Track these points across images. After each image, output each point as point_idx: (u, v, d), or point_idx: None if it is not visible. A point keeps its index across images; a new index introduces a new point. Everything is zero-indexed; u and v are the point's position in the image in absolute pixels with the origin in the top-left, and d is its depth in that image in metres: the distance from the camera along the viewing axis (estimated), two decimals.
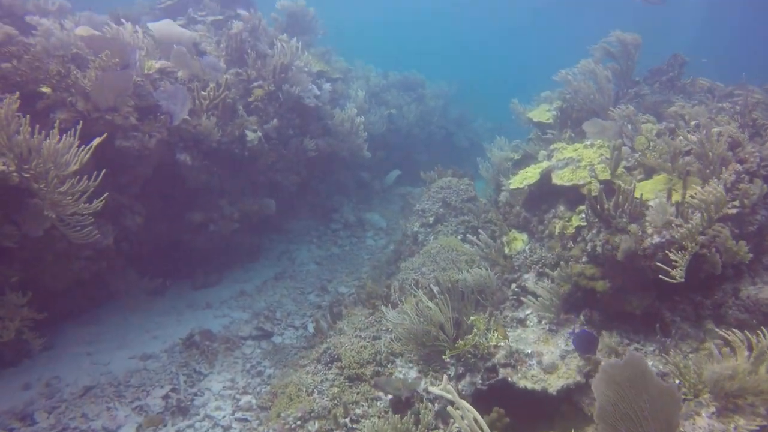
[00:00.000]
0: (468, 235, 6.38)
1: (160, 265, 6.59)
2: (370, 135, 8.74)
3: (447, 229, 6.80)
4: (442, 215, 6.94)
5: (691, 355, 3.66)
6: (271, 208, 6.77)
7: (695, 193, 3.66)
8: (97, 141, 3.60)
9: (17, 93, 3.42)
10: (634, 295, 4.18)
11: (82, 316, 5.77)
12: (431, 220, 6.91)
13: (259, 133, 5.97)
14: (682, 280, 3.43)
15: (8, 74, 4.02)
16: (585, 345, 3.79)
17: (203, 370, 5.00)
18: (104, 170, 3.78)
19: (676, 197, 4.11)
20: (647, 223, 4.00)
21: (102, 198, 3.74)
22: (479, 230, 6.70)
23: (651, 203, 4.32)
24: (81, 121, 4.04)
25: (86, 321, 5.68)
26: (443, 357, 4.16)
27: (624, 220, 4.16)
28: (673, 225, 3.76)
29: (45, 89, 4.21)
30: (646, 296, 4.08)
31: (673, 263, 3.48)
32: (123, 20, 6.54)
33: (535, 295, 4.61)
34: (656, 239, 3.75)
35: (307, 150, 6.98)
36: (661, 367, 3.70)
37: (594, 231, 4.43)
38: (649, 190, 4.68)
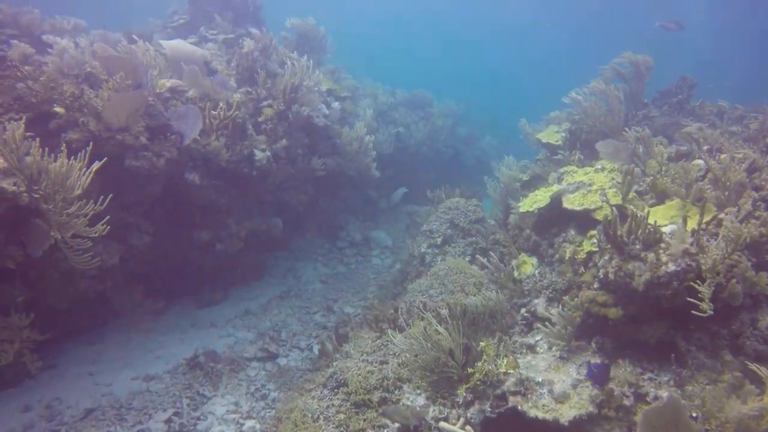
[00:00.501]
0: (478, 256, 6.29)
1: (166, 282, 6.56)
2: (378, 154, 8.75)
3: (455, 250, 6.74)
4: (450, 236, 6.88)
5: (708, 388, 3.56)
6: (278, 227, 6.75)
7: (727, 225, 3.56)
8: (96, 166, 3.59)
9: (23, 117, 3.43)
10: (647, 323, 4.09)
11: (85, 334, 5.72)
12: (439, 241, 6.85)
13: (268, 153, 5.97)
14: (712, 312, 3.34)
15: (24, 95, 4.05)
16: (601, 377, 3.70)
17: (207, 392, 4.92)
18: (111, 194, 3.77)
19: (691, 224, 4.04)
20: (661, 251, 3.92)
21: (104, 221, 3.70)
22: (488, 252, 6.65)
23: (665, 229, 4.26)
24: (92, 142, 4.05)
25: (89, 339, 5.63)
26: (458, 391, 4.06)
27: (637, 246, 4.09)
28: (692, 253, 3.68)
29: (58, 109, 4.23)
30: (661, 325, 3.99)
31: (699, 295, 3.39)
32: (136, 38, 6.65)
33: (548, 321, 4.52)
34: (672, 267, 3.67)
35: (315, 170, 6.98)
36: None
37: (606, 257, 4.35)
38: (661, 216, 4.62)
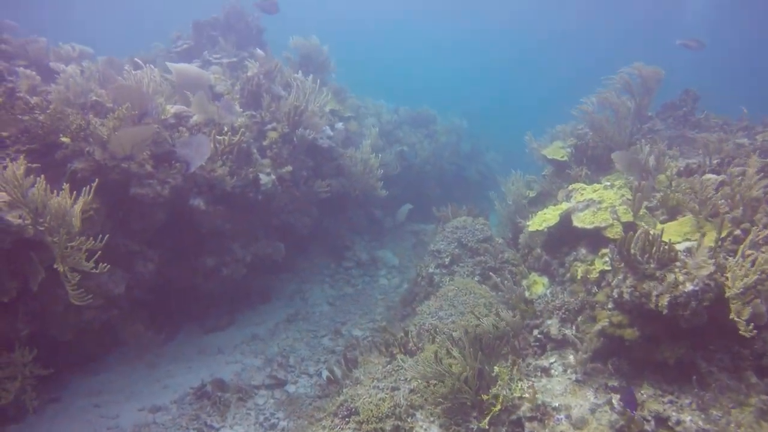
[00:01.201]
0: (491, 275, 6.21)
1: (171, 308, 6.49)
2: (383, 174, 8.72)
3: (463, 270, 6.65)
4: (458, 256, 6.80)
5: (734, 412, 3.44)
6: (281, 252, 6.70)
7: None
8: (79, 205, 3.54)
9: (23, 154, 3.42)
10: (665, 343, 3.98)
11: (89, 364, 5.63)
12: (447, 260, 6.77)
13: (273, 177, 5.95)
14: (755, 333, 3.24)
15: (31, 127, 4.05)
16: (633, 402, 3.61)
17: (215, 423, 4.80)
18: (115, 224, 3.71)
19: (706, 241, 3.96)
20: (677, 270, 3.83)
21: (99, 252, 3.67)
22: (497, 271, 6.57)
23: (679, 247, 4.18)
24: (97, 172, 4.04)
25: (94, 369, 5.54)
26: (473, 419, 3.95)
27: (652, 265, 4.00)
28: (710, 272, 3.59)
29: (65, 139, 4.23)
30: (679, 345, 3.88)
31: (737, 313, 3.29)
32: (141, 63, 6.72)
33: (571, 346, 4.41)
34: (690, 287, 3.58)
35: (320, 192, 6.95)
36: (701, 423, 3.49)
37: (620, 277, 4.26)
38: (674, 233, 4.53)
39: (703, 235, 3.86)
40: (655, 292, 3.85)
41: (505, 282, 5.14)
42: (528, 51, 45.08)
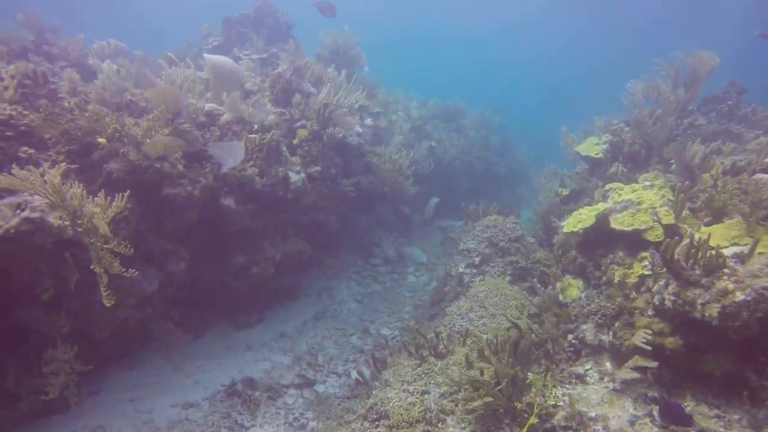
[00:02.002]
0: (531, 280, 6.08)
1: (202, 305, 6.59)
2: (414, 172, 8.63)
3: (493, 270, 6.51)
4: (488, 255, 6.66)
5: None
6: (308, 251, 6.71)
7: None
8: (111, 212, 3.57)
9: (56, 169, 3.49)
10: (711, 354, 3.79)
11: (124, 359, 5.78)
12: (477, 260, 6.64)
13: (303, 175, 5.95)
14: None
15: (70, 129, 4.14)
16: (674, 418, 3.43)
17: (245, 422, 4.85)
18: (147, 228, 3.76)
19: (760, 247, 3.73)
20: (726, 277, 3.63)
21: (135, 271, 3.73)
22: (529, 272, 6.41)
23: (726, 252, 3.96)
24: (132, 172, 4.09)
25: (129, 364, 5.68)
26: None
27: (697, 272, 3.80)
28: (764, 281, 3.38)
29: (101, 140, 4.31)
30: (727, 357, 3.69)
31: None
32: (176, 59, 6.82)
33: (607, 352, 4.26)
34: (741, 297, 3.39)
35: (348, 191, 6.91)
36: None
37: (661, 283, 4.08)
38: (721, 237, 4.30)
39: (757, 240, 3.63)
40: (700, 301, 3.66)
41: (546, 291, 4.97)
42: (565, 42, 43.96)
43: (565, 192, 7.60)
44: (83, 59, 7.15)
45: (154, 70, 6.62)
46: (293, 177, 5.77)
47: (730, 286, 3.47)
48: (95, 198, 3.59)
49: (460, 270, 6.72)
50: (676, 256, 3.91)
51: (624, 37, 38.91)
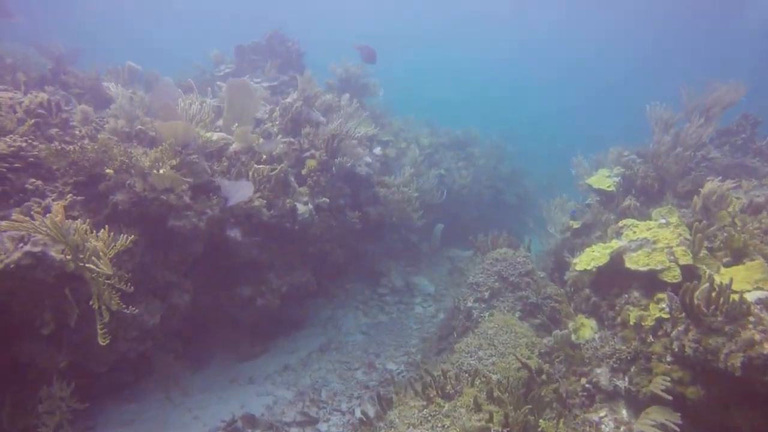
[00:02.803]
0: (538, 316, 5.92)
1: (205, 336, 6.47)
2: (423, 202, 8.56)
3: (503, 305, 6.34)
4: (498, 290, 6.50)
5: None
6: (314, 284, 6.61)
7: None
8: (113, 251, 3.51)
9: (60, 203, 3.44)
10: (737, 407, 3.59)
11: (124, 391, 5.64)
12: (486, 295, 6.48)
13: (311, 206, 5.89)
14: None
15: (78, 160, 4.13)
16: None
17: None
18: (151, 260, 3.69)
19: None
20: (751, 326, 3.46)
21: (134, 309, 3.64)
22: (539, 308, 6.23)
23: (749, 297, 3.80)
24: (138, 204, 4.05)
25: (127, 397, 5.53)
26: None
27: (719, 319, 3.64)
28: None
29: (108, 171, 4.28)
30: (755, 412, 3.48)
31: None
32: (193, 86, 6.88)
33: (622, 399, 4.07)
34: None
35: (355, 222, 6.84)
36: None
37: (681, 328, 3.91)
38: (742, 279, 4.14)
39: None
40: (724, 350, 3.49)
41: (557, 333, 4.81)
42: (580, 64, 44.21)
43: (577, 225, 7.46)
44: (97, 85, 7.24)
45: (168, 92, 6.68)
46: (301, 209, 5.71)
47: (757, 337, 3.30)
48: (99, 233, 3.53)
49: (469, 304, 6.55)
50: (696, 301, 3.75)
51: (638, 58, 39.12)
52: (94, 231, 3.59)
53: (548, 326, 5.99)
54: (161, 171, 4.16)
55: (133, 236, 3.95)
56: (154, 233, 4.57)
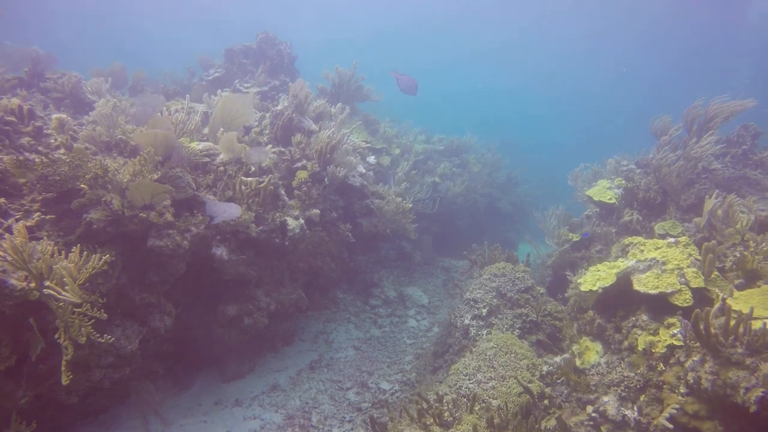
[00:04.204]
0: (539, 334, 5.67)
1: (188, 356, 6.13)
2: (416, 211, 8.29)
3: (502, 323, 6.09)
4: (496, 307, 6.25)
5: None
6: (305, 301, 6.30)
7: None
8: (82, 276, 3.20)
9: (22, 224, 3.12)
10: None
11: (98, 416, 5.29)
12: (484, 311, 6.23)
13: (302, 221, 5.58)
14: None
15: (48, 174, 3.80)
16: None
17: None
18: (129, 281, 3.36)
19: None
20: None
21: (110, 338, 3.31)
22: (539, 326, 5.99)
23: (766, 323, 3.57)
24: (114, 222, 3.73)
25: (104, 422, 5.17)
26: None
27: (739, 351, 3.40)
28: None
29: (83, 185, 3.95)
30: None
31: None
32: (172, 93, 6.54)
33: (632, 430, 3.82)
34: None
35: (349, 236, 6.55)
36: None
37: (696, 359, 3.67)
38: (759, 304, 3.92)
39: None
40: (744, 384, 3.26)
41: (550, 343, 4.56)
42: (579, 80, 44.41)
43: (576, 239, 7.25)
44: (78, 89, 6.88)
45: (152, 98, 6.35)
46: (291, 223, 5.41)
47: None
48: (69, 255, 3.21)
49: (466, 321, 6.29)
50: (713, 330, 3.52)
51: (630, 63, 39.32)
52: (64, 253, 3.27)
53: (548, 345, 5.76)
54: (138, 183, 3.83)
55: (107, 256, 3.63)
56: (132, 252, 4.25)
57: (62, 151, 4.38)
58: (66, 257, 3.16)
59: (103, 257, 3.46)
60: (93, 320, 3.34)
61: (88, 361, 3.98)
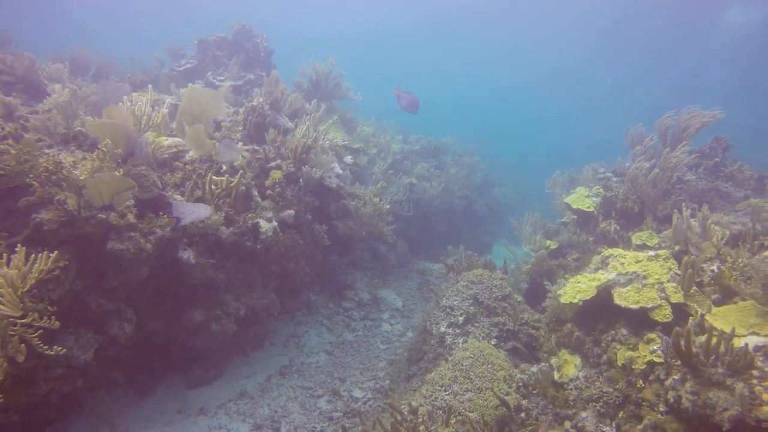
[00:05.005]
0: (515, 343, 5.58)
1: (150, 361, 5.80)
2: (392, 212, 8.11)
3: (478, 331, 5.98)
4: (473, 315, 6.14)
5: None
6: (277, 306, 6.04)
7: None
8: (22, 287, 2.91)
9: None
10: None
11: (54, 423, 4.92)
12: (461, 320, 6.11)
13: (275, 223, 5.33)
14: None
15: None
16: None
17: None
18: (84, 287, 3.08)
19: None
20: (755, 381, 3.20)
21: (62, 349, 3.01)
22: (516, 335, 5.91)
23: (748, 343, 3.55)
24: (69, 224, 3.42)
25: None
26: None
27: (720, 370, 3.36)
28: None
29: (34, 182, 3.61)
30: None
31: None
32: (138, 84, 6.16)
33: None
34: None
35: (324, 239, 6.32)
36: None
37: (676, 377, 3.62)
38: (737, 322, 3.90)
39: None
40: (723, 404, 3.21)
41: (536, 369, 4.47)
42: (555, 75, 44.81)
43: (554, 246, 7.21)
44: (32, 73, 6.39)
45: (116, 87, 5.96)
46: (263, 225, 5.14)
47: (766, 396, 3.03)
48: (11, 260, 2.89)
49: (442, 329, 6.16)
50: (694, 349, 3.47)
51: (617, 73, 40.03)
52: (6, 256, 2.95)
53: (525, 354, 5.68)
54: (98, 178, 3.51)
55: (55, 258, 3.32)
56: (89, 256, 3.93)
57: (9, 141, 4.01)
58: (8, 263, 2.84)
59: (51, 261, 3.15)
60: (41, 331, 3.03)
61: (34, 374, 3.64)
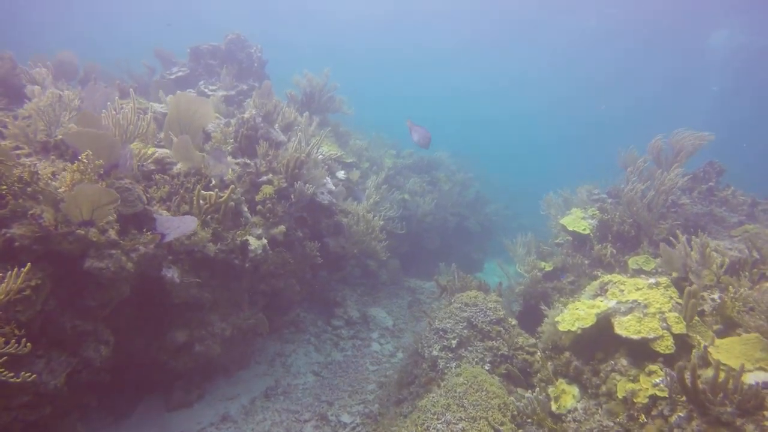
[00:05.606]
0: (509, 369, 5.40)
1: (128, 382, 5.52)
2: (385, 230, 7.94)
3: (472, 355, 5.80)
4: (467, 338, 5.96)
5: None
6: (266, 325, 5.80)
7: None
8: None
9: None
10: None
11: None
12: (454, 343, 5.92)
13: (264, 240, 5.13)
14: None
15: None
16: None
17: None
18: (58, 307, 2.85)
19: None
20: (767, 422, 3.05)
21: (30, 375, 2.78)
22: (510, 360, 5.74)
23: (752, 378, 3.42)
24: (43, 240, 3.19)
25: None
26: None
27: (729, 409, 3.22)
28: None
29: (7, 194, 3.38)
30: None
31: None
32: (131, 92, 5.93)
33: None
34: None
35: (317, 257, 6.13)
36: None
37: (682, 414, 3.47)
38: (741, 355, 3.77)
39: None
40: None
41: (531, 397, 4.29)
42: (553, 102, 45.62)
43: (549, 268, 7.09)
44: (13, 76, 6.16)
45: (103, 93, 5.74)
46: (253, 243, 4.94)
47: None
48: None
49: (435, 353, 5.97)
50: (700, 385, 3.33)
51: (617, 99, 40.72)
52: None
53: (519, 380, 5.51)
54: (77, 191, 3.29)
55: (33, 280, 3.10)
56: (65, 274, 3.69)
57: None
58: None
59: (20, 279, 2.92)
60: (5, 358, 2.79)
61: None
